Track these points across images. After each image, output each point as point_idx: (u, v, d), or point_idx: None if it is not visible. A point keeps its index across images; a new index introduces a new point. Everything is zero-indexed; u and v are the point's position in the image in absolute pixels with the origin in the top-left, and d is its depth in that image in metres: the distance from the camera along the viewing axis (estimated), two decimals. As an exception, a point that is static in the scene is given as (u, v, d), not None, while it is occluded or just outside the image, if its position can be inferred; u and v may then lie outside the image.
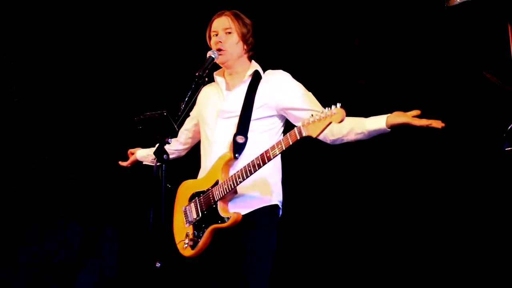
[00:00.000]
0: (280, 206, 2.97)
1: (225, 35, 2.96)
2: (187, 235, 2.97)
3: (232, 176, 2.82)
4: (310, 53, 4.23)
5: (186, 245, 2.96)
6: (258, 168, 2.74)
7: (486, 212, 3.71)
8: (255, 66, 3.03)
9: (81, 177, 4.56)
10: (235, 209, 2.85)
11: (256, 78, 3.00)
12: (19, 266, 4.42)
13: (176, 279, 4.26)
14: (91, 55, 4.55)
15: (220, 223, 2.83)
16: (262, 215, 2.87)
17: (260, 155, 2.72)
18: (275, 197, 2.94)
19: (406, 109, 3.96)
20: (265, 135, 2.93)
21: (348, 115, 2.58)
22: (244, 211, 2.84)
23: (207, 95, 3.12)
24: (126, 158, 3.68)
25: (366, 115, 4.07)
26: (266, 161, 2.71)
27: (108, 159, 4.57)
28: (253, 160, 2.74)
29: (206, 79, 2.88)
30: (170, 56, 4.50)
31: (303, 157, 4.02)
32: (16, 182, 4.46)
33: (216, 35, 2.97)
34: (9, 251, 4.41)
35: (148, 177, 3.02)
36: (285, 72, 3.02)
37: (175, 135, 2.66)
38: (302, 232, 4.16)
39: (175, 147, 3.38)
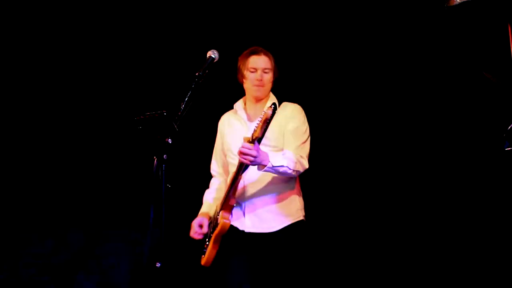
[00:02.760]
0: (304, 219, 3.19)
1: (264, 73, 3.18)
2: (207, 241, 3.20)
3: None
4: (310, 53, 4.23)
5: (204, 250, 3.19)
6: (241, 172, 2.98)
7: (486, 212, 3.71)
8: (272, 97, 3.24)
9: (81, 177, 4.55)
10: (262, 226, 3.09)
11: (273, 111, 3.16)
12: (19, 266, 4.42)
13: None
14: (91, 55, 4.55)
15: (214, 230, 3.08)
16: (291, 232, 3.10)
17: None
18: (301, 212, 3.18)
19: (406, 109, 3.98)
20: None
21: (348, 114, 2.62)
22: (272, 229, 3.08)
23: (230, 125, 3.31)
24: (123, 159, 3.66)
25: (367, 115, 4.09)
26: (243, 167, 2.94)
27: (108, 158, 4.57)
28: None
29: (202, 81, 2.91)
30: (170, 56, 4.49)
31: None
32: (16, 182, 4.46)
33: (255, 71, 3.18)
34: (10, 251, 4.41)
35: (148, 177, 3.02)
36: (297, 106, 3.23)
37: (175, 135, 2.67)
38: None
39: (222, 185, 3.39)
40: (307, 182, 3.28)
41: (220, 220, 3.04)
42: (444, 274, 3.82)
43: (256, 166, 2.93)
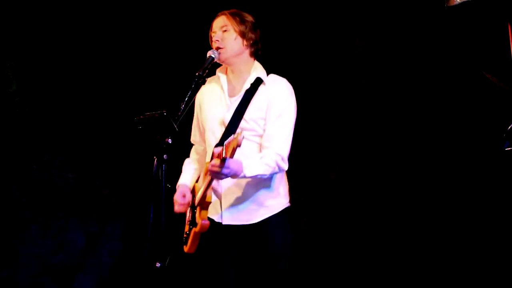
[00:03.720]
0: (289, 204, 2.98)
1: (222, 33, 2.93)
2: (187, 231, 3.04)
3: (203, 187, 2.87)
4: (311, 53, 4.23)
5: (184, 240, 3.04)
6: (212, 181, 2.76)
7: (486, 212, 3.71)
8: (258, 70, 2.97)
9: (81, 177, 4.55)
10: (241, 218, 2.87)
11: (256, 84, 2.94)
12: (19, 266, 4.42)
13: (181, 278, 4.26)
14: (91, 55, 4.55)
15: (194, 228, 2.89)
16: (276, 223, 2.88)
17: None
18: (284, 199, 2.96)
19: (406, 109, 3.98)
20: (251, 146, 2.87)
21: (348, 114, 2.60)
22: (251, 221, 2.87)
23: (209, 95, 3.05)
24: (123, 159, 3.63)
25: (366, 114, 4.09)
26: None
27: (108, 159, 4.58)
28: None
29: (206, 79, 2.87)
30: (170, 56, 4.49)
31: (302, 157, 4.01)
32: (16, 182, 4.46)
33: (214, 33, 2.95)
34: (9, 251, 4.41)
35: (148, 177, 3.03)
36: (286, 85, 2.95)
37: (175, 135, 2.66)
38: (301, 232, 4.16)
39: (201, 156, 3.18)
40: (305, 178, 3.21)
41: (198, 220, 2.88)
42: (443, 273, 3.82)
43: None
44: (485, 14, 3.27)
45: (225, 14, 2.97)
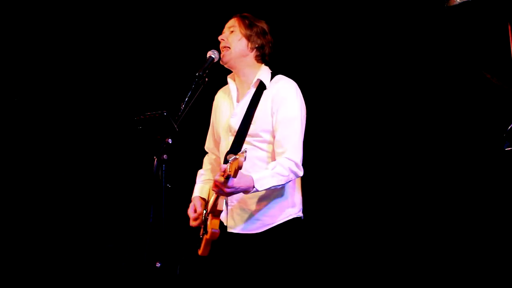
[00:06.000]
0: (301, 215, 2.94)
1: (229, 33, 2.96)
2: (201, 235, 3.04)
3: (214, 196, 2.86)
4: (312, 52, 4.23)
5: (198, 243, 3.03)
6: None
7: (486, 212, 3.71)
8: (262, 72, 2.96)
9: (81, 177, 4.55)
10: (246, 227, 2.86)
11: (260, 88, 2.93)
12: (19, 266, 4.42)
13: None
14: (91, 55, 4.55)
15: (206, 235, 2.89)
16: (280, 234, 2.84)
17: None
18: (293, 210, 2.90)
19: (406, 109, 3.98)
20: (259, 154, 2.87)
21: (348, 114, 2.59)
22: (255, 231, 2.86)
23: (221, 103, 3.08)
24: (123, 159, 3.62)
25: (366, 114, 4.09)
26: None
27: (108, 159, 4.57)
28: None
29: (206, 79, 2.88)
30: (170, 56, 4.49)
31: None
32: (17, 182, 4.46)
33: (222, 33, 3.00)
34: (10, 251, 4.41)
35: (148, 177, 3.03)
36: (290, 85, 2.91)
37: (175, 135, 2.67)
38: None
39: (213, 166, 3.19)
40: (307, 179, 3.18)
41: (209, 229, 2.86)
42: (444, 273, 3.82)
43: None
44: (485, 14, 3.27)
45: (236, 17, 3.01)
